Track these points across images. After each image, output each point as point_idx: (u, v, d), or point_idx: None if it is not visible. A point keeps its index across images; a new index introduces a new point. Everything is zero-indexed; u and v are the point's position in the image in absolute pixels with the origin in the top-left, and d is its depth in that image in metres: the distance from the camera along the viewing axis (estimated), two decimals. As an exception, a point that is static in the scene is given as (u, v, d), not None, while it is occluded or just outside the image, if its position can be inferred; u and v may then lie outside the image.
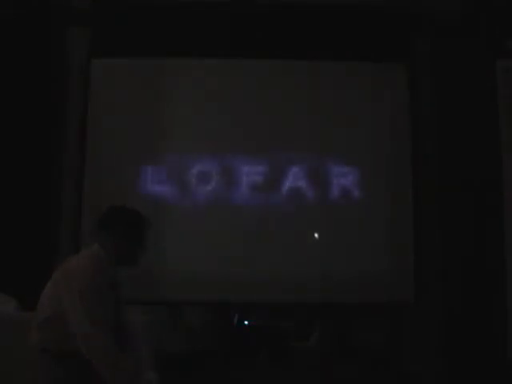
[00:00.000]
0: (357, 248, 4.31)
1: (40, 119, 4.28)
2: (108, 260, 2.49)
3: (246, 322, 4.36)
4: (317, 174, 4.39)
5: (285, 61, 4.47)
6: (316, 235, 4.40)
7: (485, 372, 3.83)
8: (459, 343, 4.11)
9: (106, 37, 4.44)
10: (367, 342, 4.29)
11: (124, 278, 2.62)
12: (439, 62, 4.51)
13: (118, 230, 2.54)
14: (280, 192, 4.37)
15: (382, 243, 4.35)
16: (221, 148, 4.38)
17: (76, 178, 4.34)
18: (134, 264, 2.60)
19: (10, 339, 2.96)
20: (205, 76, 4.43)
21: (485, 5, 4.12)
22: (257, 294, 4.26)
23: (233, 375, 3.92)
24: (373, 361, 4.14)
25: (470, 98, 4.19)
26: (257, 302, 4.33)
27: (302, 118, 4.43)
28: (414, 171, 4.42)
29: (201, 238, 4.26)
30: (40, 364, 2.41)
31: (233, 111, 4.42)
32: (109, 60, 4.45)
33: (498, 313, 3.87)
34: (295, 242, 4.34)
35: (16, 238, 4.08)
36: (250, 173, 4.37)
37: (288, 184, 4.37)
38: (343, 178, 4.39)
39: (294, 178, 4.37)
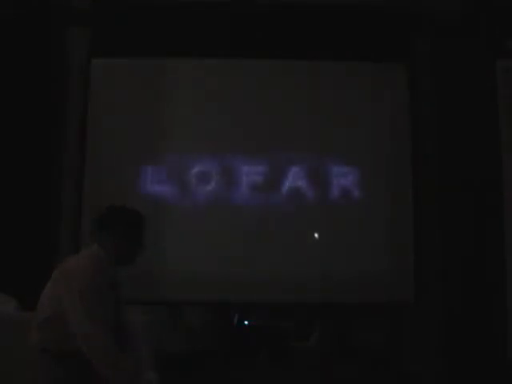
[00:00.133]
0: (357, 248, 4.31)
1: (40, 119, 4.28)
2: (108, 260, 2.49)
3: (246, 322, 4.36)
4: (317, 174, 4.39)
5: (285, 61, 4.47)
6: (316, 235, 4.40)
7: (485, 372, 3.83)
8: (459, 343, 4.11)
9: (106, 37, 4.44)
10: (367, 342, 4.29)
11: (124, 278, 2.62)
12: (439, 61, 4.51)
13: (117, 230, 2.54)
14: (280, 192, 4.37)
15: (382, 243, 4.35)
16: (221, 148, 4.38)
17: (76, 178, 4.34)
18: (133, 263, 2.60)
19: (9, 339, 2.96)
20: (205, 76, 4.43)
21: (485, 5, 4.12)
22: (257, 293, 4.26)
23: (233, 375, 3.92)
24: (373, 361, 4.14)
25: (470, 98, 4.19)
26: (257, 302, 4.33)
27: (302, 118, 4.43)
28: (414, 171, 4.42)
29: (201, 238, 4.26)
30: (40, 364, 2.41)
31: (233, 111, 4.42)
32: (109, 60, 4.45)
33: (497, 313, 3.87)
34: (295, 242, 4.34)
35: (16, 238, 4.08)
36: (250, 173, 4.37)
37: (288, 184, 4.37)
38: (343, 178, 4.39)
39: (294, 178, 4.37)
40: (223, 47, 4.43)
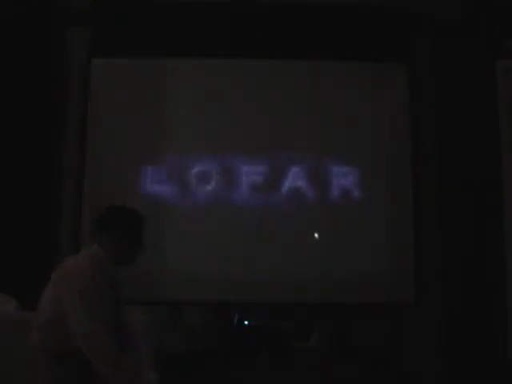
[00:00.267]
0: (357, 248, 4.31)
1: (40, 119, 4.28)
2: (108, 260, 2.49)
3: (246, 322, 4.35)
4: (317, 174, 4.39)
5: (285, 61, 4.47)
6: (316, 235, 4.40)
7: (485, 372, 3.83)
8: (459, 343, 4.11)
9: (106, 37, 4.44)
10: (367, 342, 4.29)
11: (124, 278, 2.62)
12: (439, 61, 4.51)
13: (117, 230, 2.54)
14: (280, 192, 4.37)
15: (382, 243, 4.35)
16: (221, 148, 4.38)
17: (76, 178, 4.34)
18: (133, 263, 2.60)
19: (10, 339, 2.96)
20: (205, 76, 4.43)
21: (485, 5, 4.12)
22: (257, 294, 4.26)
23: (233, 375, 3.91)
24: (373, 361, 4.14)
25: (470, 98, 4.19)
26: (257, 302, 4.33)
27: (302, 118, 4.43)
28: (414, 171, 4.42)
29: (201, 238, 4.26)
30: (40, 364, 2.41)
31: (233, 111, 4.42)
32: (109, 60, 4.45)
33: (497, 313, 3.87)
34: (295, 242, 4.34)
35: (16, 238, 4.08)
36: (250, 173, 4.37)
37: (288, 184, 4.37)
38: (343, 178, 4.39)
39: (294, 178, 4.37)
40: (223, 47, 4.43)
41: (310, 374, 3.97)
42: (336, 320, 4.44)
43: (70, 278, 2.38)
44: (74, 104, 4.45)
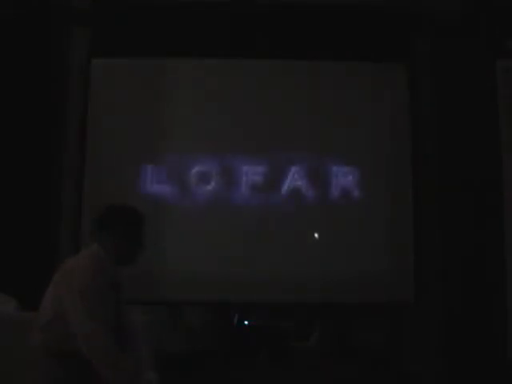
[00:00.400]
0: (357, 248, 4.31)
1: (40, 119, 4.28)
2: (108, 260, 2.49)
3: (246, 322, 4.36)
4: (317, 174, 4.39)
5: (285, 61, 4.47)
6: (316, 235, 4.40)
7: (485, 372, 3.83)
8: (459, 343, 4.11)
9: (106, 37, 4.44)
10: (367, 342, 4.29)
11: (124, 278, 2.61)
12: (439, 61, 4.51)
13: (117, 230, 2.54)
14: (280, 192, 4.37)
15: (382, 243, 4.35)
16: (221, 148, 4.38)
17: (76, 178, 4.34)
18: (133, 263, 2.60)
19: (10, 339, 2.96)
20: (205, 76, 4.43)
21: (485, 5, 4.12)
22: (257, 294, 4.26)
23: (233, 375, 3.92)
24: (373, 361, 4.14)
25: (470, 98, 4.19)
26: (257, 302, 4.33)
27: (302, 118, 4.43)
28: (414, 171, 4.42)
29: (201, 238, 4.26)
30: (40, 364, 2.41)
31: (233, 111, 4.42)
32: (109, 60, 4.45)
33: (497, 313, 3.87)
34: (295, 242, 4.34)
35: (16, 238, 4.08)
36: (250, 173, 4.37)
37: (288, 184, 4.37)
38: (343, 178, 4.39)
39: (294, 178, 4.37)
40: (223, 47, 4.43)
41: (309, 373, 3.97)
42: (336, 320, 4.45)
43: (70, 278, 2.38)
44: (73, 104, 4.45)
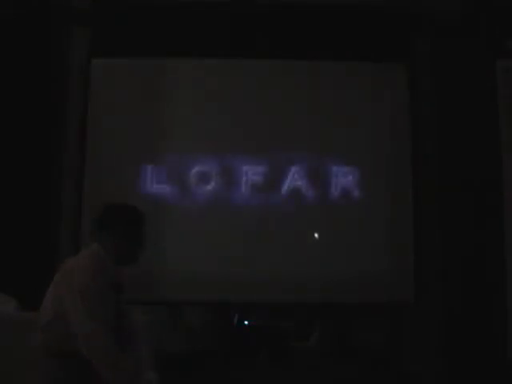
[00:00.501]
0: (357, 248, 4.31)
1: (40, 119, 4.28)
2: (108, 259, 2.49)
3: (246, 322, 4.36)
4: (317, 174, 4.39)
5: (285, 61, 4.47)
6: (316, 235, 4.40)
7: (485, 372, 3.83)
8: (459, 343, 4.11)
9: (106, 37, 4.44)
10: (367, 342, 4.29)
11: (125, 278, 2.61)
12: (439, 61, 4.51)
13: (117, 229, 2.53)
14: (280, 192, 4.37)
15: (382, 243, 4.35)
16: (221, 148, 4.38)
17: (76, 178, 4.34)
18: (134, 263, 2.60)
19: (10, 339, 2.96)
20: (205, 76, 4.43)
21: (485, 5, 4.12)
22: (257, 293, 4.26)
23: (233, 375, 3.92)
24: (373, 361, 4.14)
25: (470, 98, 4.19)
26: (257, 302, 4.33)
27: (302, 118, 4.43)
28: (414, 171, 4.42)
29: (201, 238, 4.26)
30: (40, 364, 2.41)
31: (233, 111, 4.42)
32: (109, 60, 4.45)
33: (497, 313, 3.87)
34: (295, 242, 4.34)
35: (16, 238, 4.08)
36: (250, 173, 4.37)
37: (288, 184, 4.37)
38: (343, 178, 4.39)
39: (294, 178, 4.37)
40: (223, 47, 4.43)
41: (309, 373, 3.97)
42: (336, 320, 4.45)
43: (70, 278, 2.38)
44: (73, 104, 4.45)
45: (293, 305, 4.38)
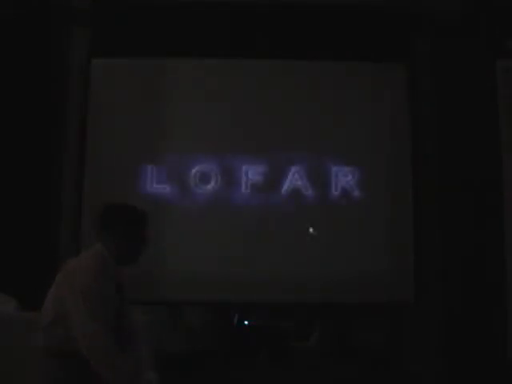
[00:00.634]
0: (357, 248, 4.31)
1: (40, 119, 4.28)
2: (111, 259, 2.48)
3: (246, 322, 4.36)
4: (317, 174, 4.39)
5: (285, 61, 4.47)
6: (316, 235, 4.39)
7: (485, 372, 3.83)
8: (459, 343, 4.11)
9: (106, 37, 4.44)
10: (367, 342, 4.29)
11: (126, 278, 2.61)
12: (439, 61, 4.51)
13: (117, 230, 2.52)
14: (280, 192, 4.37)
15: (382, 243, 4.35)
16: (221, 148, 4.39)
17: (76, 178, 4.34)
18: (136, 263, 2.59)
19: (10, 339, 2.96)
20: (205, 76, 4.43)
21: (485, 5, 4.13)
22: (257, 294, 4.26)
23: (233, 375, 3.92)
24: (373, 361, 4.14)
25: (470, 98, 4.19)
26: (257, 302, 4.33)
27: (302, 118, 4.43)
28: (414, 171, 4.42)
29: (201, 238, 4.26)
30: (40, 364, 2.41)
31: (233, 111, 4.42)
32: (109, 60, 4.45)
33: (497, 313, 3.87)
34: (295, 242, 4.34)
35: (16, 238, 4.08)
36: (250, 173, 4.37)
37: (288, 184, 4.37)
38: (343, 178, 4.39)
39: (294, 178, 4.37)
40: (223, 47, 4.43)
41: (309, 373, 3.97)
42: (336, 320, 4.45)
43: (72, 279, 2.37)
44: (73, 104, 4.45)
45: (293, 305, 4.38)
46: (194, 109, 4.40)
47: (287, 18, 4.49)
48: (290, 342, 4.31)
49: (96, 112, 4.36)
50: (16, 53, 4.24)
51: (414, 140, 4.45)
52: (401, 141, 4.45)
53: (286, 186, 4.37)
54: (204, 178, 4.36)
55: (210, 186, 4.36)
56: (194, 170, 4.36)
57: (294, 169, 4.38)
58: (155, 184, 4.35)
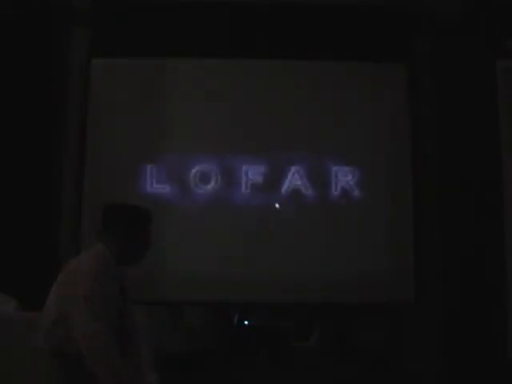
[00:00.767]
0: (357, 248, 4.31)
1: (40, 119, 4.28)
2: (113, 259, 2.48)
3: (246, 322, 4.36)
4: (317, 173, 4.39)
5: (285, 61, 4.47)
6: (316, 235, 4.39)
7: (485, 372, 3.83)
8: (459, 343, 4.11)
9: (106, 37, 4.44)
10: (367, 342, 4.29)
11: (127, 278, 2.61)
12: (439, 61, 4.51)
13: (117, 230, 2.52)
14: (280, 192, 4.37)
15: (382, 243, 4.35)
16: (221, 148, 4.39)
17: (76, 178, 4.34)
18: (137, 263, 2.58)
19: (10, 339, 2.96)
20: (205, 76, 4.43)
21: (485, 5, 4.12)
22: (257, 294, 4.26)
23: (233, 375, 3.92)
24: (373, 361, 4.14)
25: (470, 98, 4.19)
26: (257, 302, 4.33)
27: (302, 118, 4.43)
28: (414, 171, 4.42)
29: (201, 238, 4.26)
30: (41, 364, 2.41)
31: (233, 111, 4.42)
32: (109, 60, 4.45)
33: (497, 313, 3.87)
34: (295, 241, 4.33)
35: (16, 238, 4.08)
36: (250, 173, 4.37)
37: (288, 184, 4.37)
38: (343, 178, 4.39)
39: (294, 178, 4.37)
40: (223, 47, 4.43)
41: (309, 373, 3.97)
42: (336, 320, 4.45)
43: (74, 279, 2.37)
44: (73, 104, 4.45)
45: (293, 305, 4.38)
46: (194, 109, 4.40)
47: (287, 17, 4.49)
48: (290, 342, 4.31)
49: (96, 112, 4.36)
50: (16, 53, 4.24)
51: (414, 140, 4.45)
52: (401, 141, 4.45)
53: (286, 186, 4.37)
54: (204, 178, 4.36)
55: (210, 186, 4.36)
56: (193, 170, 4.36)
57: (293, 169, 4.37)
58: (155, 184, 4.35)
